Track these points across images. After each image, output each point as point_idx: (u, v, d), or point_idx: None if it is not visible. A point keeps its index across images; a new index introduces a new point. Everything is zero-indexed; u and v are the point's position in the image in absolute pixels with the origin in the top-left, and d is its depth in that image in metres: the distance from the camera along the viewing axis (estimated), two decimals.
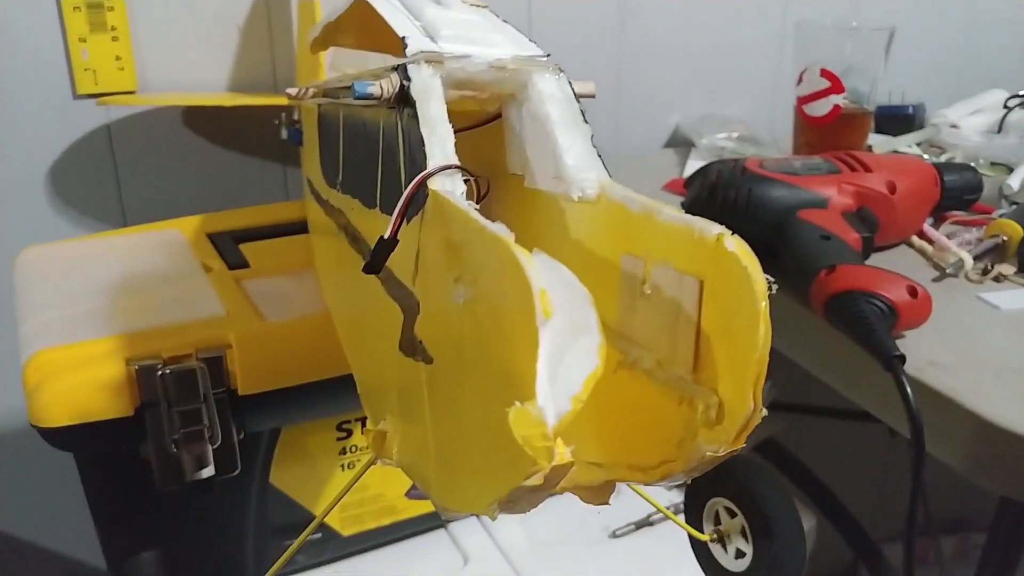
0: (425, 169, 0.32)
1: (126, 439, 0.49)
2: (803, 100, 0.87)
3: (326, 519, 0.60)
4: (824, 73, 0.85)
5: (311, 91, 0.52)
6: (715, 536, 0.45)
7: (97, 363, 0.48)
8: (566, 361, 0.22)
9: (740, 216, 0.68)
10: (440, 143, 0.33)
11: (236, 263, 0.60)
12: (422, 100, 0.33)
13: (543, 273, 0.23)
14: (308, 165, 0.60)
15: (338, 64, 0.58)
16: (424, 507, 0.63)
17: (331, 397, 0.53)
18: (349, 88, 0.40)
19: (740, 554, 0.44)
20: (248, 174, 0.87)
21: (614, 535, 0.64)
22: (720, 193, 0.69)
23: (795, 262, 0.63)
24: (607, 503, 0.31)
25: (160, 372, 0.48)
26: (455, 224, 0.29)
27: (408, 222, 0.33)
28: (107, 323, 0.51)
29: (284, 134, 0.73)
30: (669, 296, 0.28)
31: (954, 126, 1.01)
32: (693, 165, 0.92)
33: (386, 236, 0.33)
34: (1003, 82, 1.13)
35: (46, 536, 0.90)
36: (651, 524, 0.65)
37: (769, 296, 0.24)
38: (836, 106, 0.86)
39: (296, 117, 0.74)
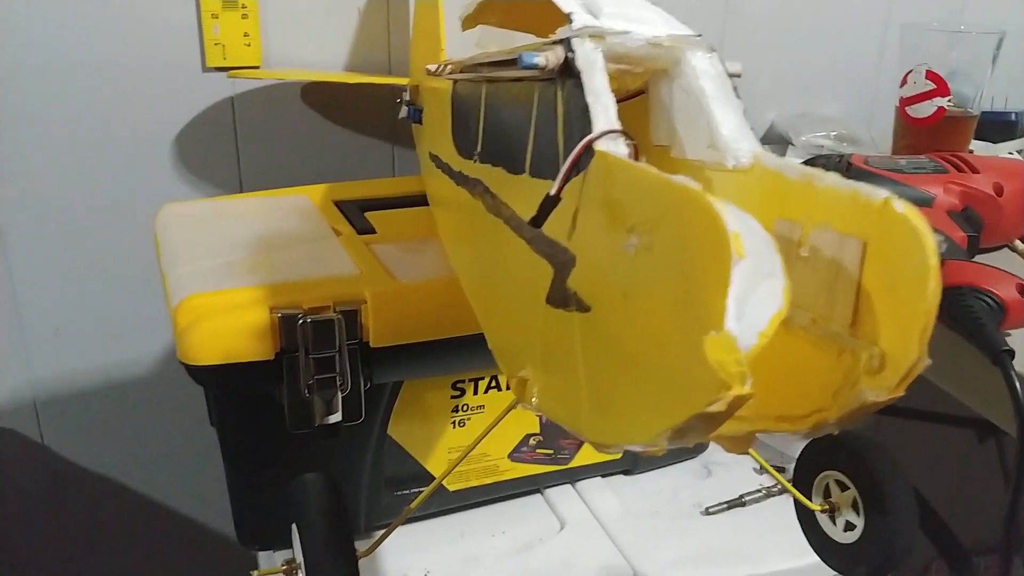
0: (588, 134, 0.34)
1: (264, 381, 0.52)
2: (906, 102, 0.88)
3: (434, 472, 0.63)
4: (930, 75, 0.86)
5: (448, 67, 0.56)
6: (826, 507, 0.46)
7: (243, 309, 0.51)
8: (752, 301, 0.24)
9: None
10: (604, 110, 0.35)
11: (364, 228, 0.63)
12: (587, 71, 0.36)
13: (733, 218, 0.25)
14: (432, 141, 0.63)
15: (483, 41, 0.61)
16: (524, 470, 0.66)
17: (452, 356, 0.55)
18: (506, 63, 0.43)
19: (849, 527, 0.45)
20: (359, 150, 0.91)
21: (707, 512, 0.66)
22: None
23: None
24: (747, 452, 0.34)
25: (301, 320, 0.51)
26: (626, 180, 0.31)
27: (568, 181, 0.36)
28: (250, 274, 0.54)
29: (404, 112, 0.76)
30: (829, 257, 0.30)
31: None
32: None
33: (552, 193, 0.35)
34: None
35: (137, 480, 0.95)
36: (743, 505, 0.66)
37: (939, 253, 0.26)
38: (940, 108, 0.86)
39: (413, 97, 0.77)
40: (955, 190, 0.71)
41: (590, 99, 0.35)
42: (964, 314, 0.57)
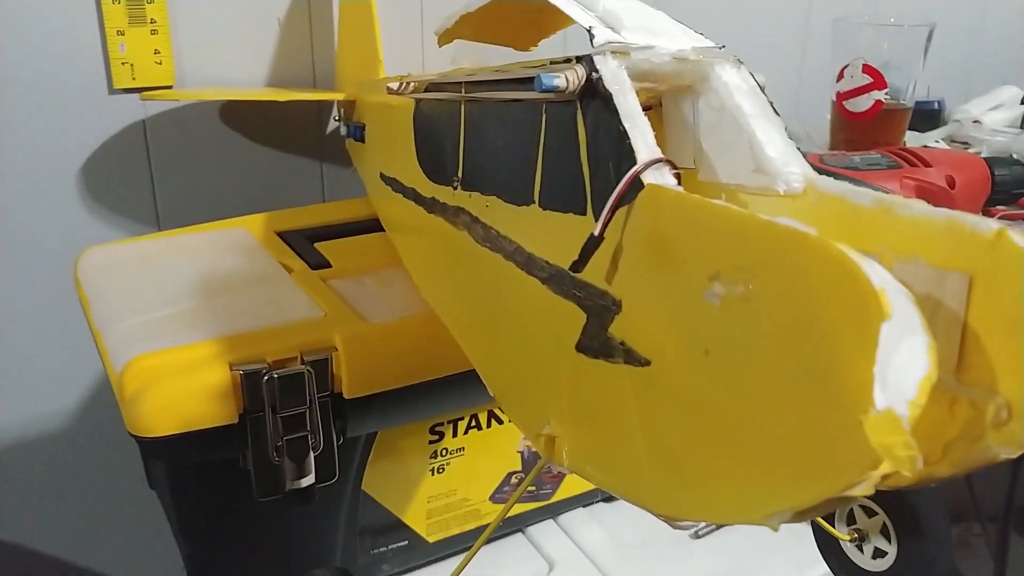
0: (629, 164, 0.31)
1: (227, 448, 0.46)
2: (844, 96, 0.88)
3: (412, 525, 0.58)
4: (867, 69, 0.86)
5: (412, 85, 0.51)
6: (855, 536, 0.44)
7: (199, 368, 0.45)
8: (895, 364, 0.21)
9: None
10: (643, 136, 0.31)
11: (317, 263, 0.58)
12: (618, 92, 0.32)
13: (875, 272, 0.22)
14: (386, 162, 0.59)
15: (457, 57, 0.57)
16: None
17: (432, 399, 0.51)
18: (507, 81, 0.39)
19: (879, 553, 0.43)
20: (285, 171, 0.84)
21: (696, 535, 0.63)
22: None
23: None
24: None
25: (266, 376, 0.46)
26: (692, 217, 0.27)
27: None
28: (202, 326, 0.49)
29: (343, 131, 0.71)
30: (922, 293, 0.27)
31: (976, 122, 1.02)
32: None
33: (596, 234, 0.31)
34: (1011, 78, 1.15)
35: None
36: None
37: None
38: (878, 102, 0.86)
39: (353, 114, 0.72)
40: (910, 185, 0.71)
41: (627, 124, 0.31)
42: None
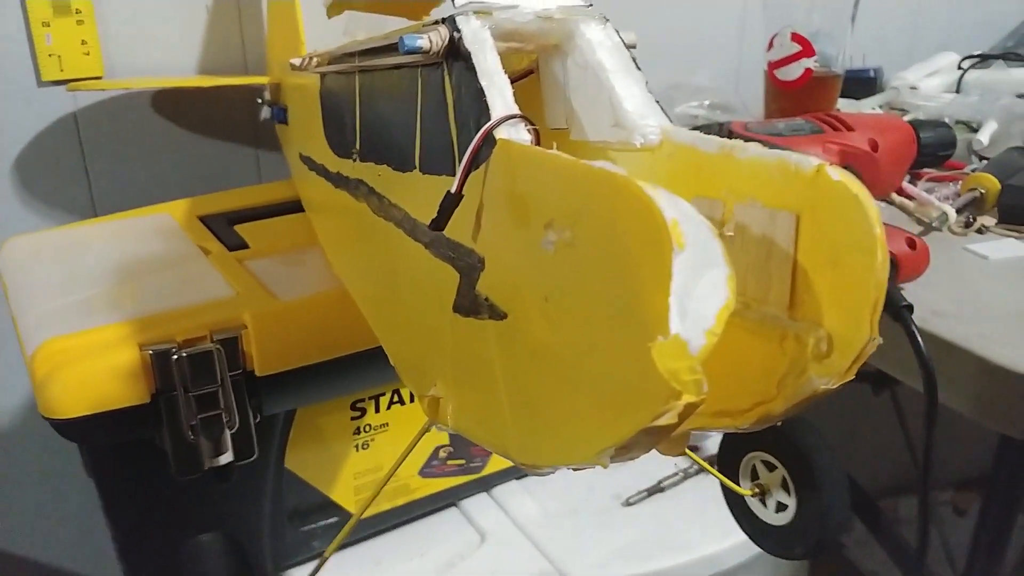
0: (487, 121, 0.31)
1: (142, 428, 0.47)
2: (774, 65, 0.88)
3: (340, 501, 0.59)
4: (795, 37, 0.86)
5: (315, 60, 0.51)
6: (756, 491, 0.45)
7: (109, 350, 0.46)
8: (695, 296, 0.22)
9: None
10: (500, 93, 0.32)
11: (235, 244, 0.58)
12: (477, 51, 0.33)
13: (667, 205, 0.22)
14: (302, 141, 0.59)
15: (351, 29, 0.57)
16: (438, 485, 0.62)
17: (348, 375, 0.51)
18: (382, 49, 0.39)
19: (781, 507, 0.44)
20: (220, 158, 0.84)
21: (627, 503, 0.64)
22: None
23: None
24: (683, 453, 0.31)
25: (175, 356, 0.46)
26: (537, 170, 0.28)
27: (468, 175, 0.32)
28: (114, 309, 0.49)
29: (266, 113, 0.71)
30: (758, 234, 0.28)
31: (913, 88, 1.03)
32: None
33: (452, 191, 0.32)
34: (951, 44, 1.16)
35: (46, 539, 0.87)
36: (662, 491, 0.65)
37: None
38: (807, 70, 0.87)
39: (276, 96, 0.72)
40: (833, 149, 0.72)
41: (484, 82, 0.32)
42: None
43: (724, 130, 0.72)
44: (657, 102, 0.34)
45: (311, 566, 0.59)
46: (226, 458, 0.49)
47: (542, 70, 0.38)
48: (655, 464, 0.68)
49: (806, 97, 0.87)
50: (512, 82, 0.40)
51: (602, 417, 0.24)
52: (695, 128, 0.74)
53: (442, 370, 0.37)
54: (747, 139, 0.71)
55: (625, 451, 0.24)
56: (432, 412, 0.36)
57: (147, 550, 0.53)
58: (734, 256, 0.29)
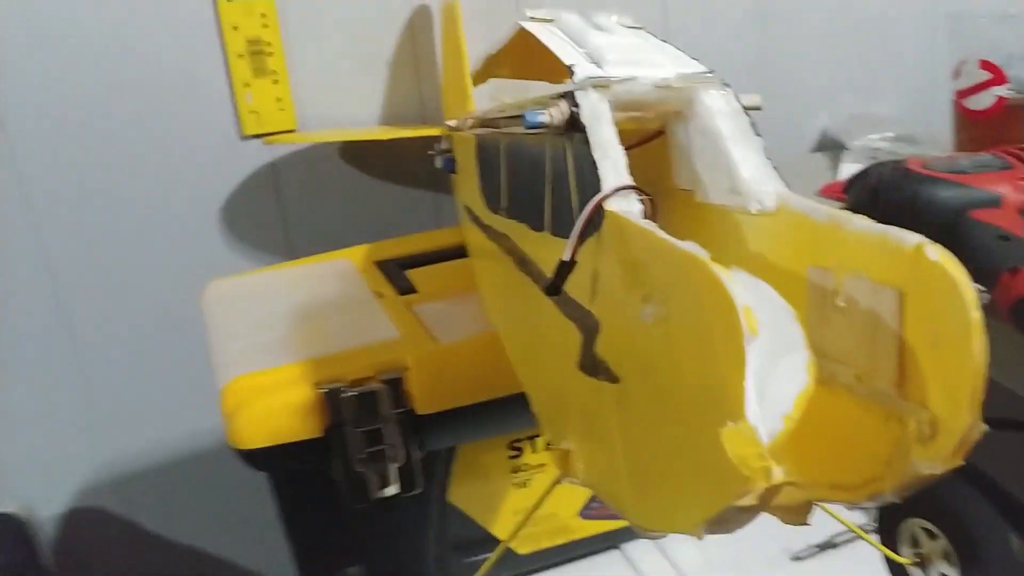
0: (599, 191, 0.33)
1: (316, 459, 0.51)
2: (962, 94, 0.84)
3: (502, 536, 0.61)
4: (984, 64, 0.81)
5: (470, 121, 0.54)
6: (916, 560, 0.43)
7: (288, 388, 0.51)
8: (774, 379, 0.23)
9: (906, 220, 0.64)
10: (613, 165, 0.33)
11: (405, 288, 0.62)
12: (592, 125, 0.34)
13: (745, 290, 0.23)
14: (465, 192, 0.62)
15: (497, 94, 0.60)
16: (598, 527, 0.63)
17: (504, 415, 0.54)
18: (517, 118, 0.42)
19: None
20: (402, 203, 0.90)
21: (796, 558, 0.62)
22: (882, 196, 0.67)
23: (971, 266, 0.60)
24: (806, 523, 0.31)
25: (345, 394, 0.51)
26: (638, 243, 0.29)
27: (583, 243, 0.34)
28: (293, 349, 0.54)
29: (439, 163, 0.75)
30: (866, 308, 0.28)
31: None
32: (847, 169, 0.89)
33: (565, 258, 0.34)
34: None
35: (242, 554, 0.96)
36: (835, 546, 0.63)
37: (981, 305, 0.24)
38: (1000, 98, 0.82)
39: (447, 147, 0.76)
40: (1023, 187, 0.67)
41: (597, 155, 0.34)
42: None
43: (900, 169, 0.69)
44: (775, 168, 0.34)
45: None
46: (392, 490, 0.53)
47: (668, 132, 0.39)
48: (830, 518, 0.66)
49: (999, 127, 0.82)
50: (643, 143, 0.42)
51: (695, 491, 0.25)
52: (868, 168, 0.72)
53: (572, 424, 0.38)
54: (926, 178, 0.68)
55: (718, 525, 0.25)
56: (562, 465, 0.38)
57: (319, 569, 0.57)
58: (845, 327, 0.29)
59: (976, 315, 0.23)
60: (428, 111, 0.88)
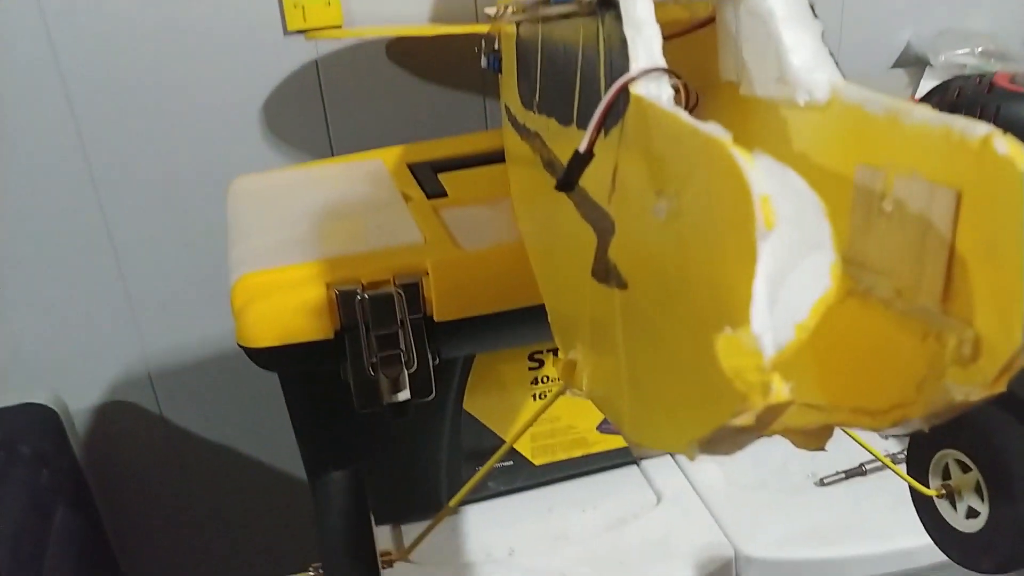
0: (627, 73, 0.29)
1: (326, 361, 0.49)
2: None
3: (518, 447, 0.59)
4: None
5: (510, 10, 0.50)
6: (943, 492, 0.40)
7: (299, 287, 0.49)
8: (791, 282, 0.19)
9: None
10: (645, 44, 0.29)
11: (435, 192, 0.59)
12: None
13: (767, 177, 0.19)
14: (506, 91, 0.59)
15: None
16: (616, 442, 0.61)
17: (524, 326, 0.51)
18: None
19: (972, 513, 0.39)
20: (449, 105, 0.87)
21: (821, 483, 0.59)
22: (962, 112, 0.61)
23: None
24: (823, 449, 0.28)
25: (359, 296, 0.48)
26: (660, 130, 0.25)
27: (607, 135, 0.30)
28: (310, 249, 0.52)
29: (484, 62, 0.71)
30: (916, 212, 0.24)
31: None
32: (927, 86, 0.82)
33: (581, 149, 0.30)
34: None
35: (269, 452, 0.96)
36: (863, 474, 0.59)
37: None
38: None
39: (496, 45, 0.72)
40: None
41: (629, 32, 0.30)
42: None
43: (985, 83, 0.63)
44: (831, 54, 0.30)
45: (486, 504, 0.60)
46: (404, 395, 0.51)
47: (717, 18, 0.35)
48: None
49: None
50: (690, 30, 0.37)
51: (689, 407, 0.22)
52: (949, 80, 0.66)
53: (582, 335, 0.35)
54: (1012, 93, 0.62)
55: (711, 446, 0.22)
56: (567, 375, 0.35)
57: (330, 474, 0.56)
58: (890, 235, 0.25)
59: None
60: (481, 9, 0.83)
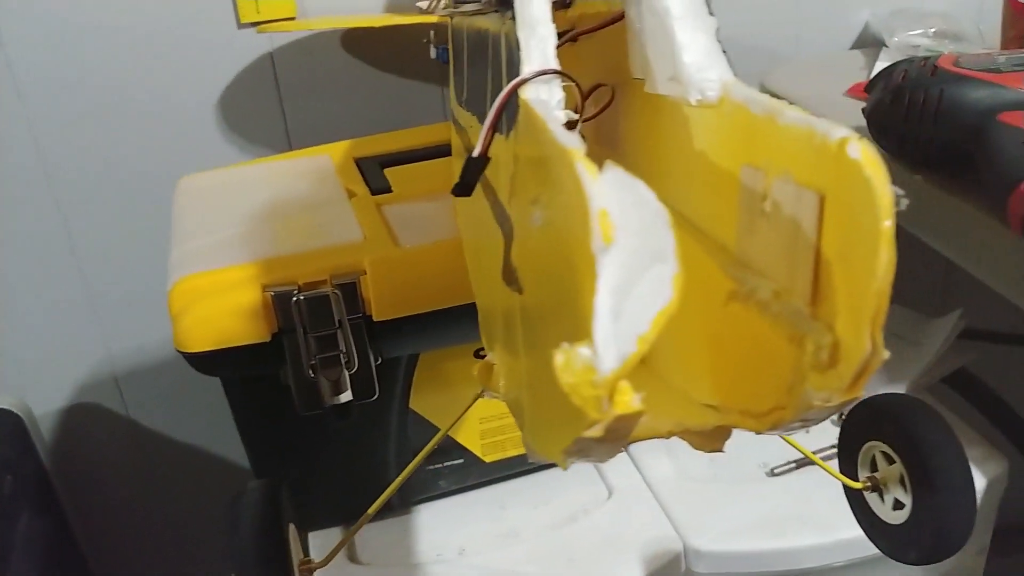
0: (518, 76, 0.29)
1: (265, 364, 0.49)
2: None
3: (468, 445, 0.59)
4: None
5: (441, 3, 0.50)
6: (869, 484, 0.40)
7: (235, 289, 0.48)
8: (635, 294, 0.19)
9: (929, 122, 0.60)
10: (539, 45, 0.29)
11: (379, 188, 0.59)
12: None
13: (613, 190, 0.19)
14: (451, 84, 0.58)
15: None
16: None
17: (466, 324, 0.50)
18: None
19: (899, 505, 0.39)
20: (408, 96, 0.86)
21: (772, 473, 0.59)
22: (907, 96, 0.61)
23: (992, 173, 0.55)
24: (720, 450, 0.28)
25: (295, 298, 0.48)
26: (535, 136, 0.25)
27: (507, 136, 0.30)
28: (248, 250, 0.51)
29: (433, 52, 0.71)
30: (788, 214, 0.24)
31: None
32: (881, 67, 0.82)
33: (475, 154, 0.30)
34: None
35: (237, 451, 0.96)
36: (813, 463, 0.59)
37: (897, 213, 0.19)
38: None
39: (436, 35, 0.72)
40: None
41: (522, 33, 0.29)
42: None
43: (929, 66, 0.63)
44: (724, 52, 0.30)
45: (438, 503, 0.60)
46: (346, 397, 0.51)
47: (625, 15, 0.35)
48: (815, 433, 0.63)
49: None
50: (604, 26, 0.37)
51: (554, 418, 0.22)
52: (895, 64, 0.65)
53: (498, 337, 0.35)
54: (955, 76, 0.62)
55: (580, 455, 0.22)
56: (483, 378, 0.35)
57: (278, 475, 0.56)
58: (769, 237, 0.25)
59: (886, 225, 0.19)
60: None
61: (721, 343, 0.27)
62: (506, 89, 0.28)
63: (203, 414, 0.92)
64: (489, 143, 0.29)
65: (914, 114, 0.60)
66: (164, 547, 1.00)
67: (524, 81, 0.28)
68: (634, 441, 0.28)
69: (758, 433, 0.25)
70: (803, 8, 0.92)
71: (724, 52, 0.30)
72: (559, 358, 0.18)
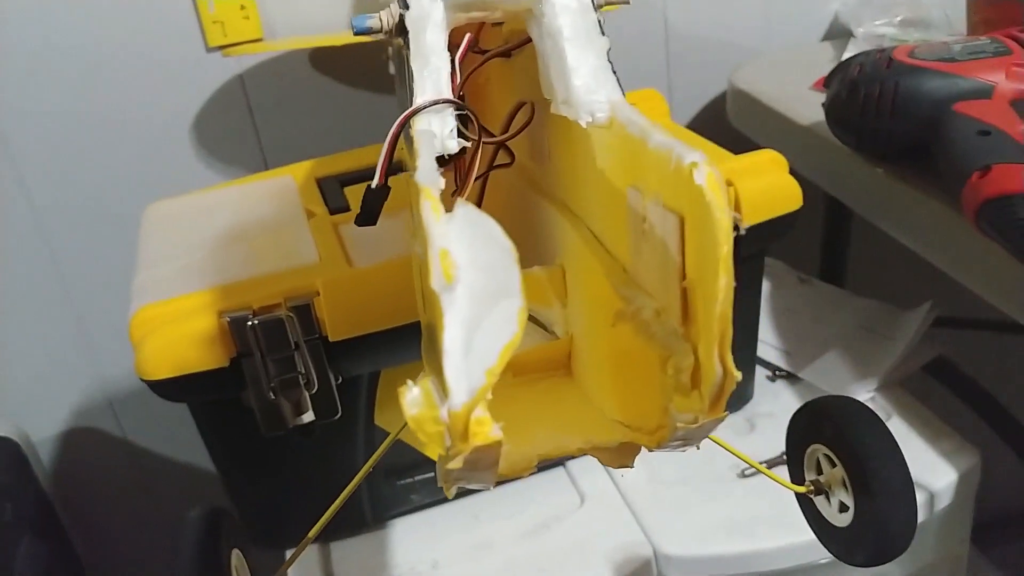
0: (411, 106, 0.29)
1: (227, 388, 0.50)
2: None
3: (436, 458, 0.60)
4: None
5: (392, 22, 0.50)
6: (812, 488, 0.40)
7: (192, 317, 0.49)
8: (484, 328, 0.19)
9: (885, 115, 0.60)
10: (433, 76, 0.30)
11: (337, 207, 0.60)
12: (416, 29, 0.31)
13: (463, 228, 0.20)
14: None
15: None
16: None
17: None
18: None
19: (843, 507, 0.39)
20: (381, 111, 0.87)
21: (743, 475, 0.60)
22: (862, 89, 0.61)
23: (947, 163, 0.55)
24: (630, 466, 0.28)
25: (250, 323, 0.49)
26: (411, 172, 0.26)
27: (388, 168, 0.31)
28: (206, 276, 0.52)
29: (391, 68, 0.71)
30: (659, 236, 0.24)
31: None
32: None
33: (373, 184, 0.30)
34: None
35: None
36: (784, 463, 0.60)
37: (736, 239, 0.20)
38: None
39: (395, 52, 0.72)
40: (1021, 74, 0.60)
41: (416, 64, 0.30)
42: (1012, 228, 0.48)
43: (884, 58, 0.63)
44: (614, 72, 0.30)
45: (412, 518, 0.61)
46: (308, 417, 0.52)
47: (531, 36, 0.35)
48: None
49: (1013, 7, 0.74)
50: (510, 50, 0.38)
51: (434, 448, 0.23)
52: (852, 58, 0.65)
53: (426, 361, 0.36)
54: (909, 68, 0.62)
55: (460, 482, 0.23)
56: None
57: (251, 497, 0.57)
58: (649, 257, 0.26)
59: (724, 250, 0.20)
60: None
61: (619, 361, 0.27)
62: (398, 120, 0.29)
63: (197, 435, 0.93)
64: (385, 173, 0.30)
65: (871, 108, 0.61)
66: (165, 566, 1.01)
67: (416, 111, 0.29)
68: (544, 460, 0.28)
69: (650, 450, 0.25)
70: (772, 0, 0.92)
71: (614, 72, 0.30)
72: (401, 395, 0.19)
